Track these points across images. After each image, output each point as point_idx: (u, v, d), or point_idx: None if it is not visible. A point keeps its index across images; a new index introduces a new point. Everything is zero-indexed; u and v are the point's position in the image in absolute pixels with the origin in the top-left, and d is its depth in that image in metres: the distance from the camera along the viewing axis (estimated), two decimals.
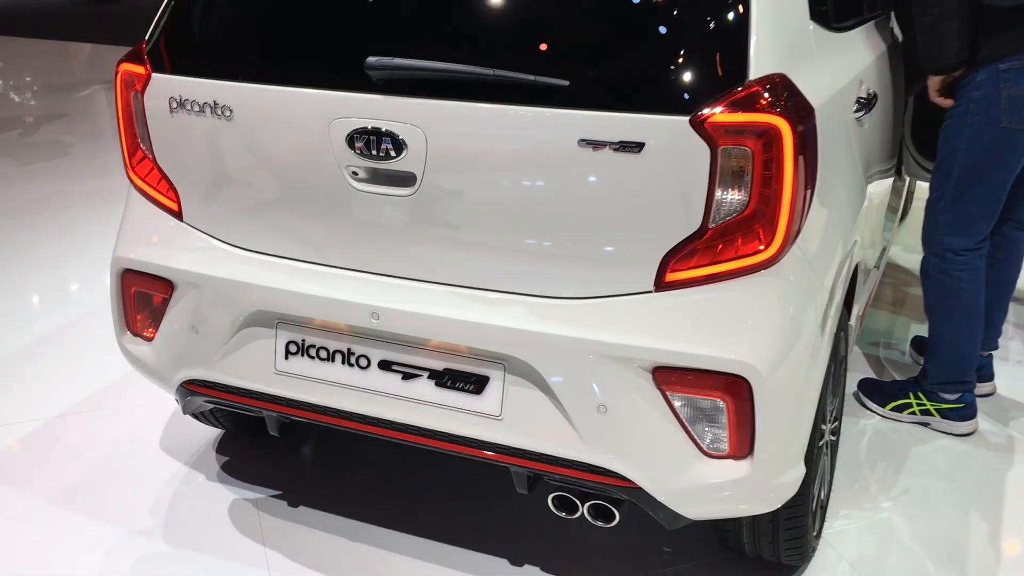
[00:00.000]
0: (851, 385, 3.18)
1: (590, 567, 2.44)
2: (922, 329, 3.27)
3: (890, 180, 3.08)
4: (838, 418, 2.58)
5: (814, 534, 2.42)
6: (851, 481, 2.76)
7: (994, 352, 3.21)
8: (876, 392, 3.11)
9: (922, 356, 3.30)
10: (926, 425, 3.00)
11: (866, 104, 2.37)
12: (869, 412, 3.09)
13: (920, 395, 3.00)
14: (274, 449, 2.92)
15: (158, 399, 3.14)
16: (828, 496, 2.59)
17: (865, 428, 3.02)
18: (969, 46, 2.63)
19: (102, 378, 3.33)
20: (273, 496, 2.71)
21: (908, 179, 3.67)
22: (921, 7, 2.63)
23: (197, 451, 2.92)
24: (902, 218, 4.00)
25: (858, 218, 2.31)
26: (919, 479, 2.78)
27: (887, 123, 2.76)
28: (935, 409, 2.98)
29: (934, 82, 2.74)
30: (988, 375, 3.22)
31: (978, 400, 3.02)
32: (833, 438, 2.55)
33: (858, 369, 3.36)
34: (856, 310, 2.73)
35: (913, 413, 3.01)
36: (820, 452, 2.34)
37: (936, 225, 2.83)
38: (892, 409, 3.05)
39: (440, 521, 2.60)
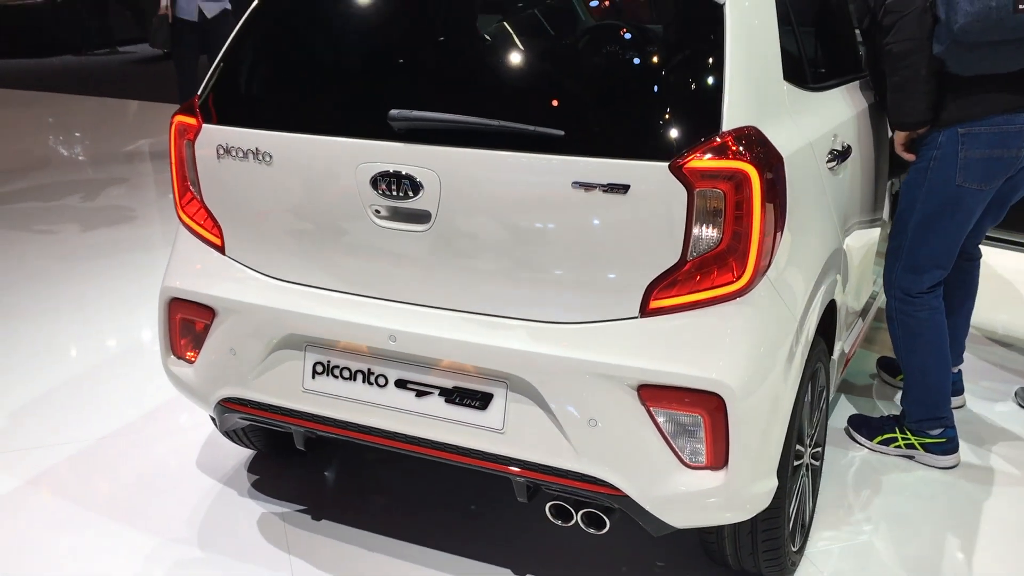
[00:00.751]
0: (842, 420, 3.38)
1: (590, 574, 2.65)
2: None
3: (877, 230, 3.31)
4: (820, 444, 2.78)
5: (795, 550, 2.61)
6: (836, 506, 2.95)
7: (962, 368, 3.51)
8: (864, 427, 3.30)
9: (890, 375, 3.53)
10: (911, 458, 3.19)
11: (839, 155, 2.62)
12: (858, 445, 3.28)
13: (905, 430, 3.19)
14: (300, 469, 3.16)
15: (195, 425, 3.41)
16: (812, 517, 2.78)
17: (853, 459, 3.21)
18: (933, 108, 2.88)
19: (144, 405, 3.61)
20: (298, 511, 2.94)
21: None
22: (891, 67, 2.88)
23: (230, 470, 3.16)
24: None
25: (831, 259, 2.54)
26: (901, 506, 2.96)
27: (868, 175, 2.99)
28: (919, 443, 3.17)
29: (899, 137, 2.99)
30: (959, 388, 3.48)
31: (960, 434, 3.21)
32: (815, 463, 2.75)
33: (850, 405, 3.54)
34: (840, 347, 2.94)
35: (899, 447, 3.20)
36: (798, 472, 2.54)
37: (894, 271, 3.06)
38: (879, 443, 3.24)
39: (450, 533, 2.81)
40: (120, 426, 3.47)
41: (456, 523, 2.88)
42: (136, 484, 3.10)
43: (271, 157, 2.44)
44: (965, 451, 3.23)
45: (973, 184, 2.90)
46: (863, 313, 3.36)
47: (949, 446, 3.14)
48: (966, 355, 3.91)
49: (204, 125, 2.55)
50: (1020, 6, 2.69)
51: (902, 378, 3.28)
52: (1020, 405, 3.55)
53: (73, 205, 6.48)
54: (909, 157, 3.02)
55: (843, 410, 3.49)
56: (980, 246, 3.36)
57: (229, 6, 6.96)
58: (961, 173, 2.89)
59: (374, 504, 3.00)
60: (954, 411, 3.42)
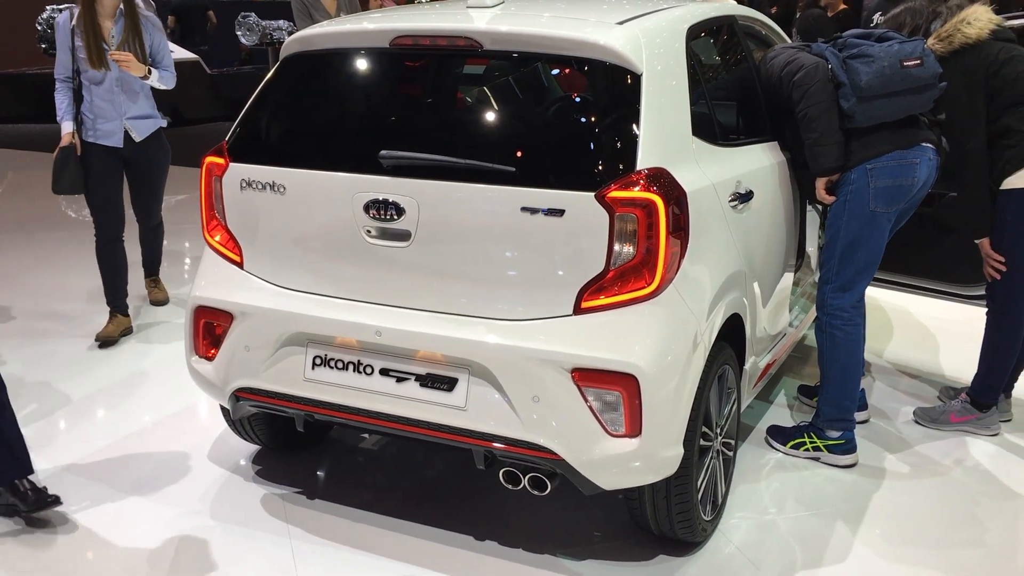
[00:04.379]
0: (764, 431, 3.95)
1: (539, 542, 3.17)
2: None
3: (790, 273, 3.91)
4: (732, 437, 3.34)
5: (708, 519, 3.15)
6: (749, 494, 3.50)
7: (864, 388, 4.09)
8: (779, 434, 3.87)
9: (808, 398, 4.11)
10: (817, 459, 3.75)
11: (741, 197, 3.23)
12: (774, 450, 3.84)
13: (812, 435, 3.76)
14: (298, 461, 3.70)
15: (207, 427, 3.96)
16: (725, 497, 3.33)
17: (769, 460, 3.77)
18: (843, 154, 3.53)
19: (165, 409, 4.18)
20: (296, 492, 3.48)
21: None
22: (806, 127, 3.54)
23: (237, 461, 3.71)
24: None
25: (732, 277, 3.12)
26: (803, 495, 3.52)
27: (774, 218, 3.60)
28: (824, 445, 3.73)
29: (820, 183, 3.63)
30: (863, 405, 4.08)
31: (858, 431, 3.80)
32: (727, 452, 3.30)
33: (771, 420, 4.11)
34: (753, 361, 3.53)
35: (807, 450, 3.76)
36: (707, 453, 3.10)
37: (826, 292, 3.67)
38: (791, 447, 3.80)
39: (424, 508, 3.35)
40: (147, 425, 4.03)
41: (429, 501, 3.43)
42: (159, 470, 3.65)
43: (285, 188, 3.05)
44: (866, 456, 3.79)
45: (882, 208, 3.55)
46: (780, 338, 3.95)
47: (848, 447, 3.71)
48: (877, 383, 4.52)
49: (231, 163, 3.16)
50: (904, 63, 3.41)
51: (816, 399, 3.86)
52: (916, 422, 4.12)
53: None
54: (830, 199, 3.65)
55: (767, 422, 4.05)
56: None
57: (165, 123, 5.15)
58: (873, 200, 3.54)
59: (362, 487, 3.54)
60: (860, 424, 4.01)
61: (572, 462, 2.78)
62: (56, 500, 3.26)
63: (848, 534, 3.26)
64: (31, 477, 3.27)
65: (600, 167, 2.75)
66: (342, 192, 2.95)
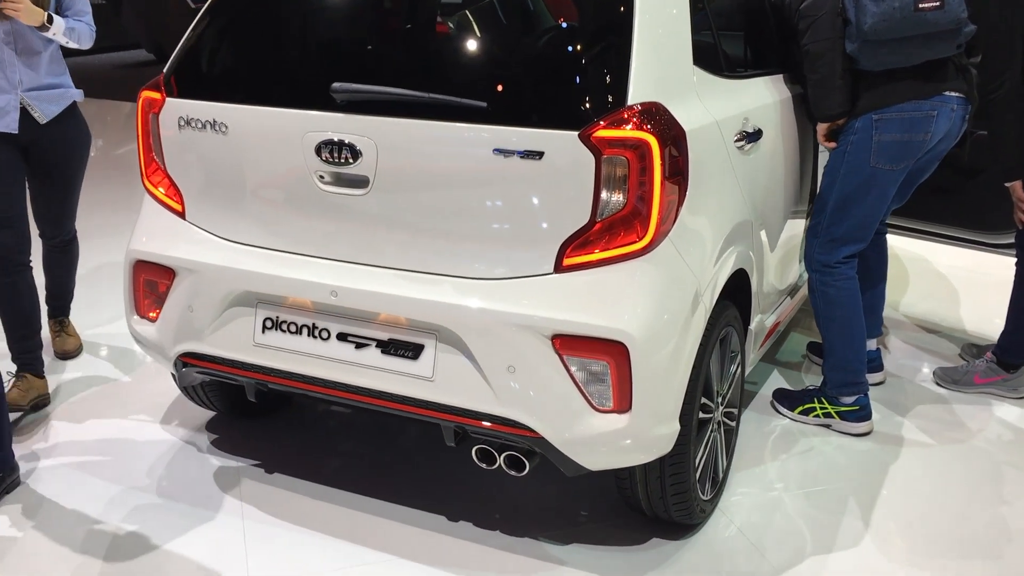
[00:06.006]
0: (770, 395, 3.61)
1: (519, 523, 2.86)
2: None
3: (801, 220, 3.53)
4: (734, 406, 3.00)
5: (706, 499, 2.82)
6: (754, 466, 3.17)
7: (880, 347, 3.78)
8: (786, 399, 3.53)
9: (818, 356, 3.76)
10: (828, 427, 3.41)
11: (749, 136, 2.85)
12: (780, 415, 3.50)
13: (823, 400, 3.42)
14: (256, 430, 3.37)
15: (159, 392, 3.62)
16: (727, 472, 3.00)
17: (775, 428, 3.44)
18: (849, 100, 3.13)
19: (112, 373, 3.85)
20: (252, 465, 3.16)
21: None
22: (810, 67, 3.14)
23: (190, 430, 3.38)
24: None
25: (738, 228, 2.76)
26: (813, 467, 3.19)
27: (784, 160, 3.21)
28: (835, 412, 3.39)
29: (822, 128, 3.24)
30: (878, 366, 3.73)
31: (872, 394, 3.46)
32: (729, 422, 2.97)
33: (778, 382, 3.77)
34: (759, 320, 3.17)
35: (817, 416, 3.43)
36: (707, 426, 2.76)
37: (814, 246, 3.31)
38: (800, 413, 3.46)
39: (391, 485, 3.03)
40: (89, 392, 3.69)
41: (397, 476, 3.10)
42: (102, 442, 3.32)
43: (227, 127, 2.67)
44: (882, 422, 3.46)
45: (885, 165, 3.16)
46: (789, 293, 3.59)
47: (862, 413, 3.37)
48: (893, 340, 4.17)
49: (168, 99, 2.77)
50: (920, 5, 2.96)
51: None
52: (937, 383, 3.78)
53: None
54: (830, 146, 3.27)
55: (773, 385, 3.71)
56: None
57: (80, 95, 3.69)
58: (875, 156, 3.15)
59: (326, 460, 3.21)
60: (875, 386, 3.67)
61: (552, 440, 2.44)
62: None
63: (861, 513, 2.94)
64: None
65: (585, 102, 2.36)
66: (290, 131, 2.57)
